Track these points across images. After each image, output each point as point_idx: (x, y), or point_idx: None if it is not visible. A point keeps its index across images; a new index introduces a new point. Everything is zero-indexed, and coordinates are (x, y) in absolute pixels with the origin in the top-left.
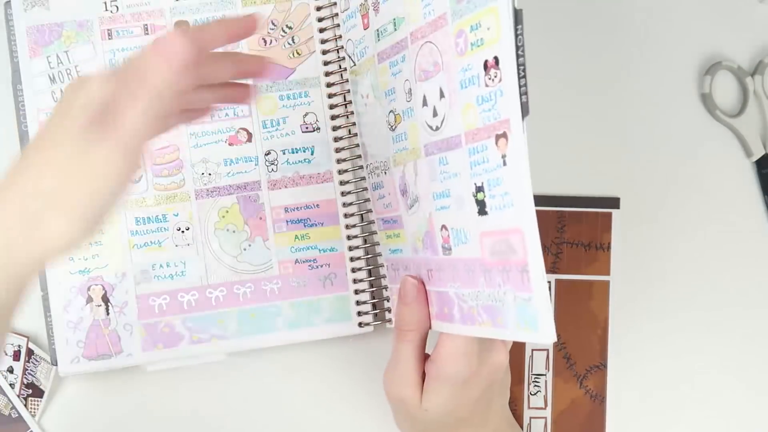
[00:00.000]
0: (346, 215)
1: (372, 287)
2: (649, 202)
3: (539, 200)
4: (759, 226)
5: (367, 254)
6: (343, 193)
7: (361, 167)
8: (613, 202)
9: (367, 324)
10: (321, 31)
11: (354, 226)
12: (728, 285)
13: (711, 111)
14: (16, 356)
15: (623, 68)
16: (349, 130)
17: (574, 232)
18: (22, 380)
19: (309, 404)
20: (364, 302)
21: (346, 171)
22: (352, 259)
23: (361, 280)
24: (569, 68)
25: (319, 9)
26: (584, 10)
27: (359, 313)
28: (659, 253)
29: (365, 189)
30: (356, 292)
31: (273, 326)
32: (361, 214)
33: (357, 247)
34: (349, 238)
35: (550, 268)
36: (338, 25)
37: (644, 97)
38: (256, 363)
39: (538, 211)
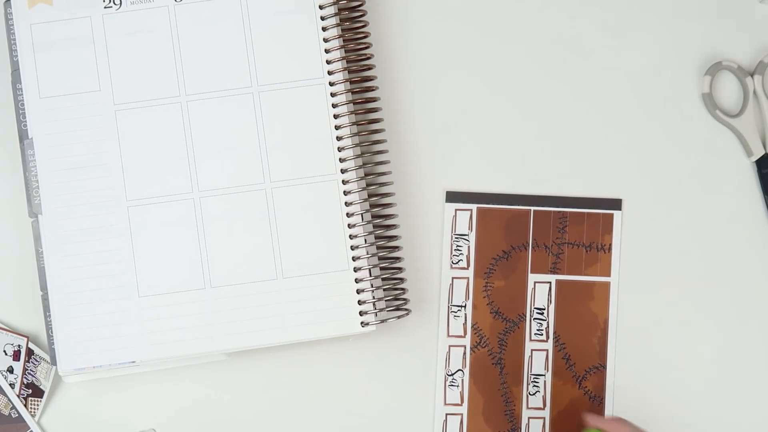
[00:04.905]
0: (348, 215)
1: (373, 287)
2: (650, 203)
3: (541, 200)
4: (759, 226)
5: (369, 254)
6: (345, 193)
7: (362, 167)
8: (615, 204)
9: (369, 324)
10: (323, 29)
11: (356, 225)
12: (729, 285)
13: (711, 111)
14: (16, 356)
15: (623, 69)
16: (350, 131)
17: (576, 232)
18: (22, 380)
19: (310, 404)
20: (366, 302)
21: (347, 171)
22: (354, 259)
23: (362, 280)
24: (569, 70)
25: (321, 8)
26: (583, 12)
27: (361, 313)
28: (660, 255)
29: (366, 189)
30: (358, 291)
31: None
32: (362, 214)
33: (359, 247)
34: (351, 237)
35: (551, 269)
36: (339, 24)
37: (645, 98)
38: (256, 363)
39: (540, 211)
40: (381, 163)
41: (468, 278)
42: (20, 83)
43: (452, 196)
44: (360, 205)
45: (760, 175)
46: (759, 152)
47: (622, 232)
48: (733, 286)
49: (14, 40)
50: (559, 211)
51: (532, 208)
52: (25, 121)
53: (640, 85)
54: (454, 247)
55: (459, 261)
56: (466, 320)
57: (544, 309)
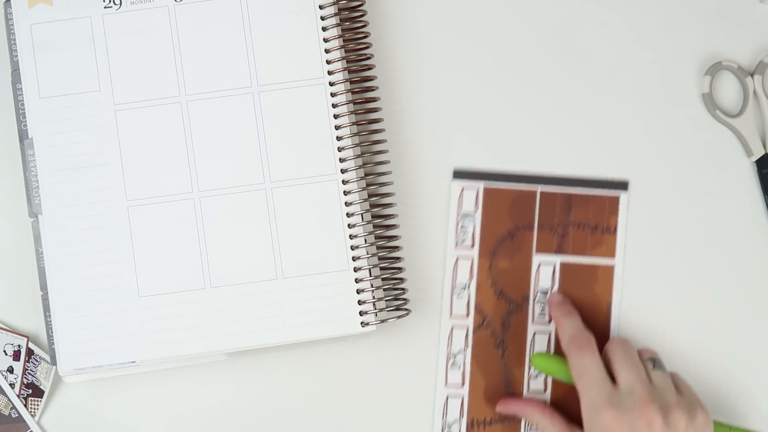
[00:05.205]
0: (348, 215)
1: (373, 287)
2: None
3: (548, 181)
4: (759, 226)
5: (369, 254)
6: (345, 193)
7: (362, 167)
8: (622, 185)
9: (369, 324)
10: (323, 29)
11: (356, 225)
12: (729, 286)
13: (711, 111)
14: (16, 356)
15: (623, 68)
16: (350, 131)
17: (581, 213)
18: (22, 380)
19: (310, 404)
20: (366, 302)
21: (347, 171)
22: (354, 259)
23: (362, 280)
24: (569, 69)
25: (321, 8)
26: (583, 11)
27: (361, 313)
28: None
29: (366, 189)
30: (358, 291)
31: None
32: (362, 214)
33: (358, 247)
34: (351, 237)
35: (556, 250)
36: (339, 24)
37: (644, 99)
38: (256, 363)
39: (546, 192)
40: (381, 163)
41: (473, 258)
42: (20, 83)
43: (459, 174)
44: (360, 205)
45: (760, 175)
46: (759, 152)
47: (628, 214)
48: (733, 286)
49: (14, 40)
50: (566, 192)
51: (539, 188)
52: (25, 121)
53: (639, 85)
54: (460, 225)
55: (464, 240)
56: (469, 300)
57: (547, 291)
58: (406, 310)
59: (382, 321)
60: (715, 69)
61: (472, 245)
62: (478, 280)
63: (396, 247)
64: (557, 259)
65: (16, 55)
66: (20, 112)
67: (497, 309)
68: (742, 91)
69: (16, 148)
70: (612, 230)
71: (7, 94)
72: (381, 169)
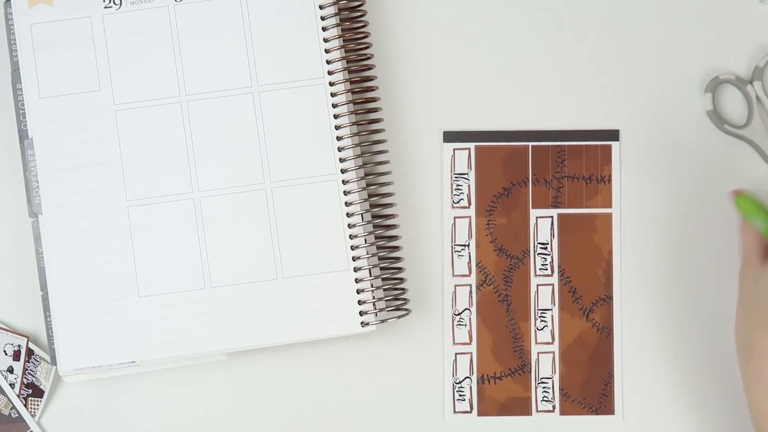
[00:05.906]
0: (348, 215)
1: (373, 287)
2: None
3: (539, 135)
4: None
5: (369, 254)
6: (345, 193)
7: (362, 167)
8: (613, 135)
9: (369, 324)
10: (323, 29)
11: (356, 225)
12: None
13: (719, 126)
14: (16, 356)
15: (627, 80)
16: (350, 131)
17: (575, 165)
18: (22, 380)
19: (309, 404)
20: (366, 302)
21: (347, 171)
22: (354, 259)
23: (362, 280)
24: (572, 75)
25: (321, 8)
26: (585, 18)
27: (361, 313)
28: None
29: (366, 189)
30: (358, 291)
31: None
32: (362, 214)
33: (358, 247)
34: (351, 237)
35: (552, 203)
36: (339, 24)
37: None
38: (256, 363)
39: (538, 146)
40: (381, 163)
41: (470, 217)
42: (20, 83)
43: (450, 136)
44: (360, 205)
45: None
46: None
47: (621, 162)
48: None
49: (14, 40)
50: (557, 145)
51: (530, 144)
52: (25, 121)
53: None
54: (455, 186)
55: (460, 200)
56: (470, 259)
57: (547, 244)
58: (406, 309)
59: (382, 321)
60: (714, 84)
61: (469, 205)
62: (477, 238)
63: (396, 247)
64: (554, 212)
65: (16, 55)
66: (20, 112)
67: (498, 265)
68: (745, 100)
69: (16, 148)
70: (606, 180)
71: (7, 94)
72: (381, 169)
